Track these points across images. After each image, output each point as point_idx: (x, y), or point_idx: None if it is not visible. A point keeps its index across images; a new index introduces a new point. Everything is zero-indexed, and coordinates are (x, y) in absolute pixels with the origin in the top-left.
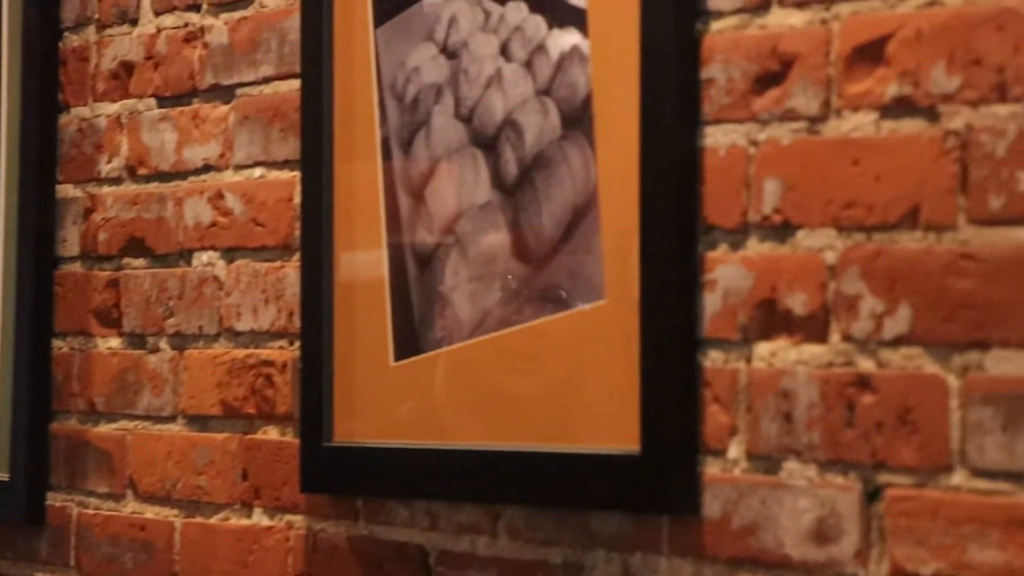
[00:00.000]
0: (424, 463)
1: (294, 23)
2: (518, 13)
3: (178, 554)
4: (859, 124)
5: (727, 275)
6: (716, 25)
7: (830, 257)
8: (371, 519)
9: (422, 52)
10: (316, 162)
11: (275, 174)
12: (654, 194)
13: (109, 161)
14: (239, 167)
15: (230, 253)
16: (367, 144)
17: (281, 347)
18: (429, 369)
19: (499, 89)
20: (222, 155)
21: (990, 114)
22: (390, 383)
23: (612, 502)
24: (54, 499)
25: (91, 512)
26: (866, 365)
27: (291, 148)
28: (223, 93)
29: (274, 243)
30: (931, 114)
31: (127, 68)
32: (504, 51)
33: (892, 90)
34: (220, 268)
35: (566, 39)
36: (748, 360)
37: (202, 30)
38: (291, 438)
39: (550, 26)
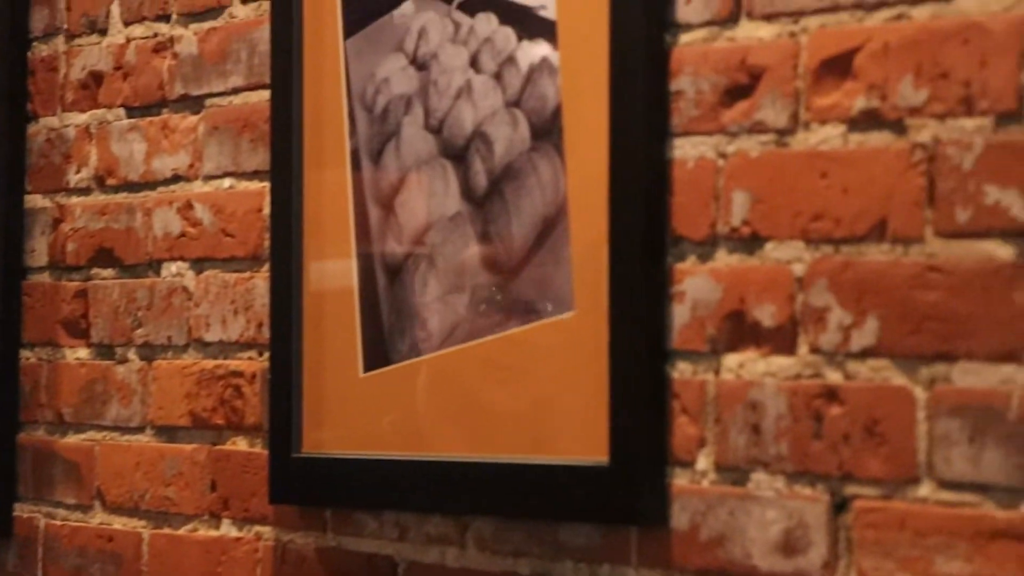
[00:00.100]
0: (393, 474)
1: (264, 34)
2: (488, 25)
3: (146, 565)
4: (827, 137)
5: (696, 287)
6: (685, 37)
7: (798, 269)
8: (340, 530)
9: (392, 63)
10: (286, 173)
11: (244, 185)
12: (623, 206)
13: (78, 171)
14: (208, 177)
15: (199, 263)
16: (337, 155)
17: (250, 358)
18: (398, 380)
19: (469, 100)
20: (191, 165)
21: (957, 127)
22: (359, 394)
23: (581, 513)
24: (21, 510)
25: (59, 523)
26: (834, 377)
27: (260, 159)
28: (192, 103)
29: (243, 254)
30: (898, 127)
31: (96, 78)
32: (474, 63)
33: (860, 103)
34: (189, 278)
35: (536, 51)
36: (716, 372)
37: (171, 40)
38: (260, 449)
39: (520, 38)
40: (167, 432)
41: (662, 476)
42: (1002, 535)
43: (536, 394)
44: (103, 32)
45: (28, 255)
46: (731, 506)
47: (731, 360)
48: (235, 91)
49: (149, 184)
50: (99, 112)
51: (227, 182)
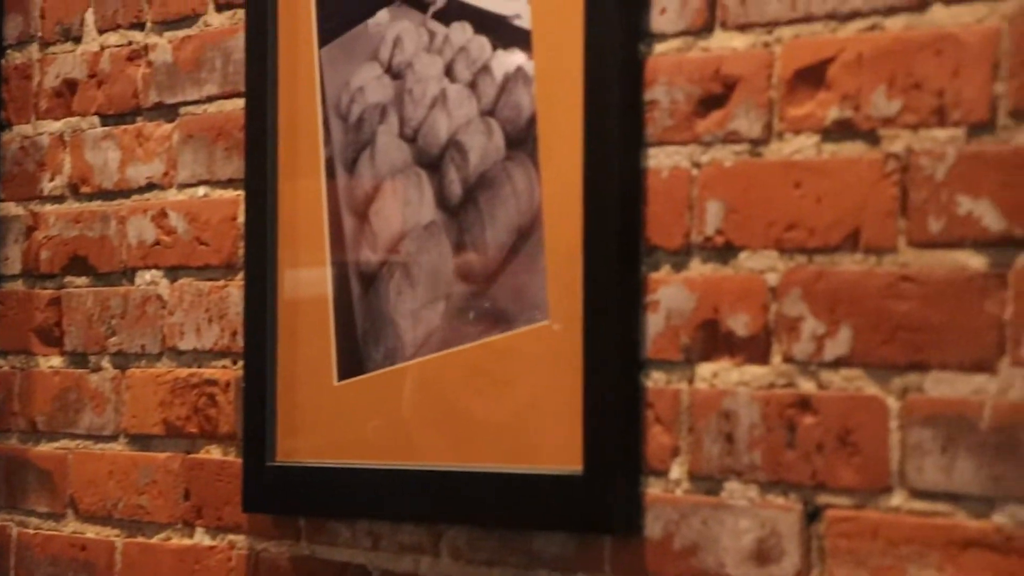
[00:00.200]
0: (367, 483)
1: (238, 42)
2: (463, 34)
3: (119, 574)
4: (801, 147)
5: (670, 296)
6: (659, 47)
7: (772, 279)
8: (313, 539)
9: (367, 72)
10: (260, 181)
11: (219, 193)
12: (598, 215)
13: (52, 179)
14: (183, 186)
15: (173, 272)
16: (311, 163)
17: (224, 366)
18: (373, 389)
19: (443, 109)
20: (166, 174)
21: (930, 138)
22: (333, 403)
23: (555, 522)
24: None
25: (31, 532)
26: (807, 386)
27: (235, 167)
28: (167, 112)
29: (218, 262)
30: (872, 137)
31: (70, 86)
32: (449, 72)
33: (833, 113)
34: (163, 287)
35: (510, 60)
36: (690, 381)
37: (146, 48)
38: (234, 457)
39: (495, 47)
40: (141, 440)
41: (636, 485)
42: (974, 544)
43: (510, 403)
44: (77, 40)
45: (2, 263)
46: (704, 515)
47: (705, 369)
48: (210, 99)
49: (123, 192)
50: (73, 120)
51: (201, 190)
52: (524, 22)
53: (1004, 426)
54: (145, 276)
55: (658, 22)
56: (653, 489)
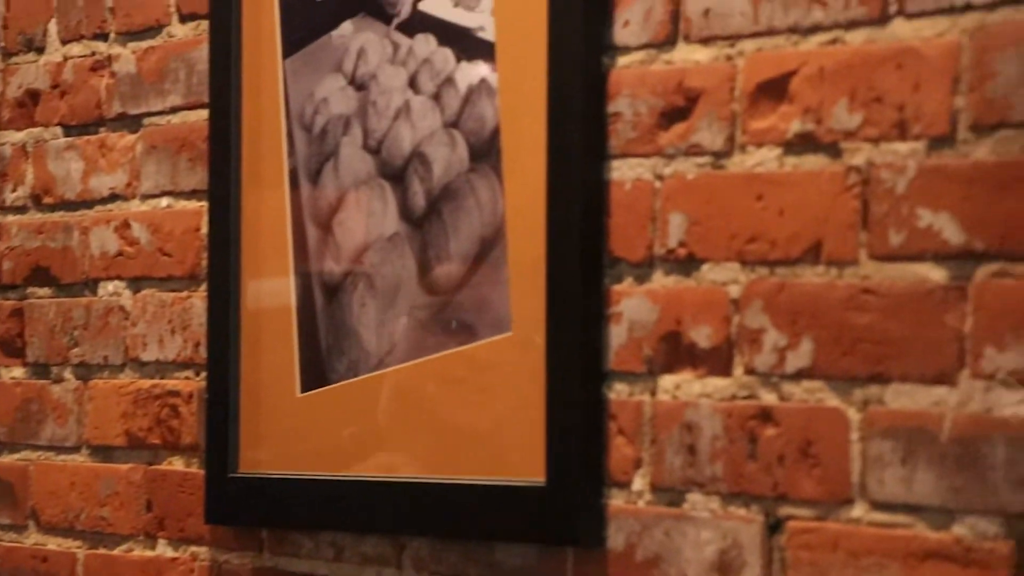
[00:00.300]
0: (329, 494)
1: (202, 53)
2: (427, 46)
3: None
4: (763, 159)
5: (632, 308)
6: (623, 60)
7: (734, 291)
8: (276, 550)
9: (330, 83)
10: (223, 192)
11: (182, 204)
12: (561, 227)
13: (14, 190)
14: (146, 197)
15: (136, 283)
16: (275, 174)
17: (187, 377)
18: (336, 400)
19: (407, 121)
20: (129, 184)
21: (890, 151)
22: (296, 414)
23: (517, 534)
24: None
25: None
26: (769, 398)
27: (199, 178)
28: (130, 122)
29: (181, 273)
30: (833, 150)
31: (33, 96)
32: (412, 83)
33: (795, 126)
34: (126, 298)
35: (474, 72)
36: (653, 393)
37: (109, 59)
38: (196, 469)
39: (459, 59)
40: (103, 452)
41: (598, 497)
42: (934, 556)
43: (473, 414)
44: (40, 50)
45: None
46: (667, 527)
47: (667, 381)
48: (173, 110)
49: (86, 203)
50: (36, 130)
51: (165, 201)
52: (488, 34)
53: (964, 438)
54: (108, 287)
55: (621, 35)
56: (616, 501)
